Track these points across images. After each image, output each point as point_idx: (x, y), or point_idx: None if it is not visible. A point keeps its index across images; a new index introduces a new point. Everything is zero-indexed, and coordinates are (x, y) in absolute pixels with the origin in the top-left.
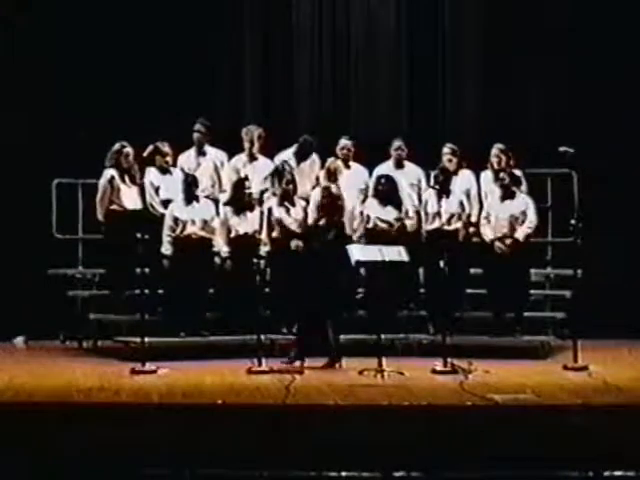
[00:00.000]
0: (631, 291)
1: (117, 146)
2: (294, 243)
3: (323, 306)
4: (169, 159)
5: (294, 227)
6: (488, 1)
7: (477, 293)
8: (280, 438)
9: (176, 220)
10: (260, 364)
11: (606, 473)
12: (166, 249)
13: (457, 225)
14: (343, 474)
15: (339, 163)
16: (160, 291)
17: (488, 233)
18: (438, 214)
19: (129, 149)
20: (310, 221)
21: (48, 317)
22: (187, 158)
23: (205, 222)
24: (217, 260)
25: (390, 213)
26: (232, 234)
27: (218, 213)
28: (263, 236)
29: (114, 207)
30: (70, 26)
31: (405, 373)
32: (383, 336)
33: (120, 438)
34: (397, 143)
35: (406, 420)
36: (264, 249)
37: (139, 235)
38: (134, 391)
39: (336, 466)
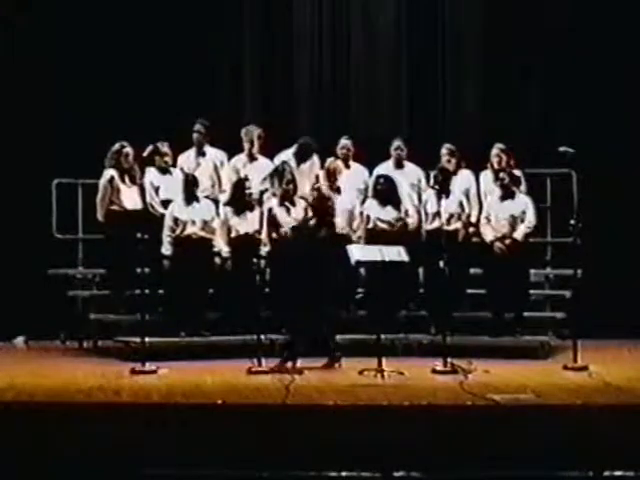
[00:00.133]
0: (631, 291)
1: (117, 146)
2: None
3: (315, 306)
4: (168, 159)
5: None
6: (488, 1)
7: (477, 293)
8: (280, 438)
9: (176, 220)
10: (260, 364)
11: (606, 473)
12: (166, 249)
13: (457, 225)
14: (343, 474)
15: (339, 163)
16: (160, 291)
17: (488, 233)
18: (438, 214)
19: (129, 149)
20: (299, 219)
21: (48, 317)
22: (187, 158)
23: (205, 222)
24: (217, 260)
25: (389, 213)
26: (232, 234)
27: (218, 213)
28: (263, 236)
29: (114, 207)
30: (70, 26)
31: (405, 373)
32: (383, 336)
33: (120, 438)
34: (397, 143)
35: (406, 420)
36: (264, 249)
37: (139, 235)
38: (134, 391)
39: (336, 466)
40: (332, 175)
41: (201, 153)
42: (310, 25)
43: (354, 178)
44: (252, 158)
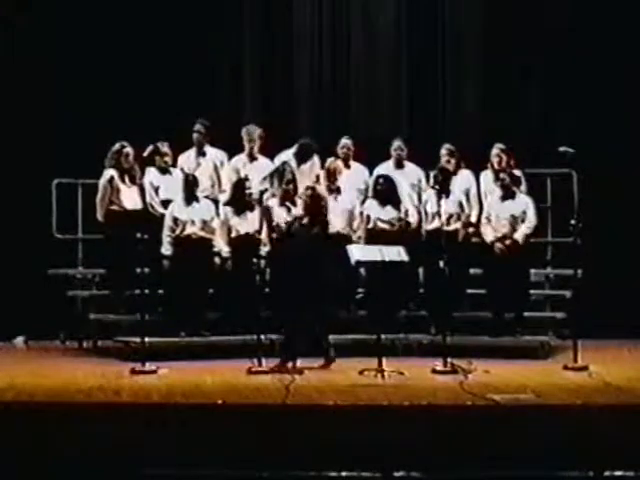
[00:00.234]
0: (631, 291)
1: (117, 146)
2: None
3: (308, 306)
4: (168, 159)
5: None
6: (488, 1)
7: (477, 293)
8: (280, 438)
9: (176, 220)
10: (260, 364)
11: (606, 473)
12: (166, 249)
13: (457, 225)
14: (343, 474)
15: (339, 163)
16: (160, 291)
17: (488, 233)
18: (438, 214)
19: (129, 149)
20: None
21: (48, 317)
22: (187, 158)
23: (205, 222)
24: (217, 260)
25: (389, 213)
26: (232, 234)
27: (218, 213)
28: (263, 236)
29: (114, 207)
30: (70, 26)
31: (405, 373)
32: (383, 336)
33: (120, 438)
34: (397, 143)
35: (406, 420)
36: (264, 249)
37: (139, 235)
38: (134, 391)
39: (336, 466)
40: (332, 175)
41: (201, 153)
42: (310, 25)
43: (354, 178)
44: (252, 158)
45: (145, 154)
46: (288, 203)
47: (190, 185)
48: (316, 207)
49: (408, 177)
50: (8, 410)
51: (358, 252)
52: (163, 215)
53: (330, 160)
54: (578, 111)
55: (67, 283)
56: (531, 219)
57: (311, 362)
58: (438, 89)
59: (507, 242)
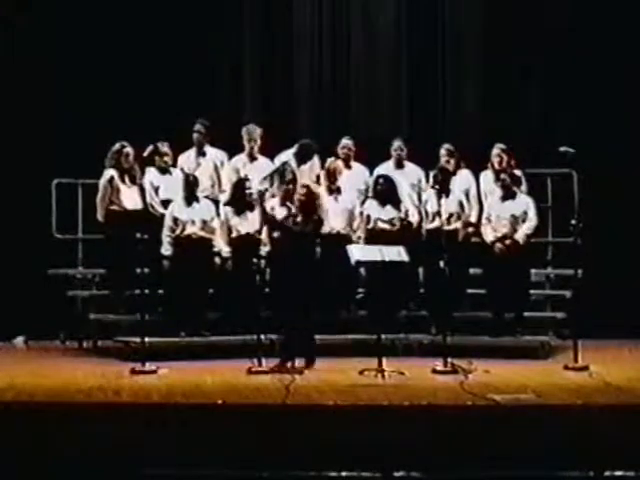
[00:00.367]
0: (631, 291)
1: (117, 146)
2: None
3: (299, 306)
4: (168, 159)
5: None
6: (488, 1)
7: (477, 293)
8: (280, 438)
9: (176, 220)
10: (260, 364)
11: (606, 473)
12: (166, 249)
13: (457, 225)
14: (343, 474)
15: (339, 163)
16: (160, 291)
17: (488, 233)
18: (438, 214)
19: (129, 149)
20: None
21: (48, 317)
22: (187, 158)
23: (205, 222)
24: (217, 260)
25: (389, 213)
26: (233, 234)
27: (218, 213)
28: (263, 236)
29: (114, 207)
30: (70, 26)
31: (405, 373)
32: (383, 336)
33: (120, 438)
34: (397, 143)
35: (406, 420)
36: (264, 249)
37: (139, 235)
38: (134, 391)
39: (336, 466)
40: (332, 175)
41: (201, 153)
42: (310, 25)
43: (355, 178)
44: (252, 158)
45: (145, 154)
46: (289, 203)
47: (190, 185)
48: (310, 206)
49: (408, 177)
50: (8, 410)
51: (358, 252)
52: (163, 215)
53: (330, 160)
54: (578, 111)
55: (67, 283)
56: (532, 219)
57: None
58: (438, 89)
59: (507, 242)
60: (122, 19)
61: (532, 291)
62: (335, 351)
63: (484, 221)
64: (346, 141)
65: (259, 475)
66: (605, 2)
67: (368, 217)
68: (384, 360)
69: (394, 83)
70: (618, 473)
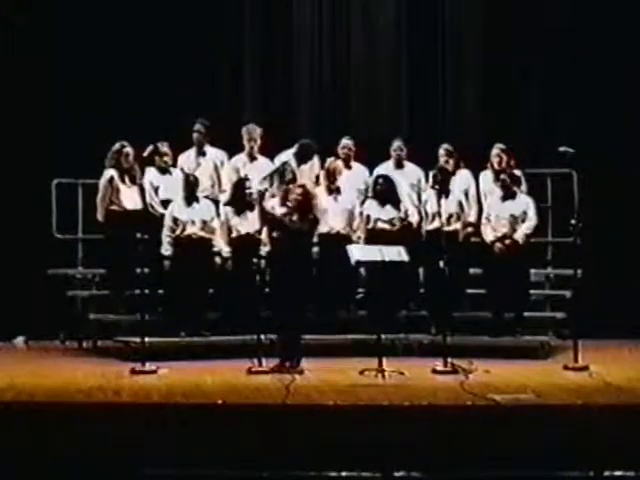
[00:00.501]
0: (631, 291)
1: (117, 146)
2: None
3: (290, 306)
4: (167, 159)
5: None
6: (488, 1)
7: (477, 293)
8: (280, 438)
9: (176, 220)
10: (260, 364)
11: (606, 473)
12: (166, 249)
13: (456, 225)
14: (343, 474)
15: (339, 163)
16: (160, 291)
17: (488, 233)
18: (438, 214)
19: (129, 149)
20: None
21: (48, 317)
22: (187, 158)
23: (205, 223)
24: (217, 260)
25: (389, 213)
26: (233, 234)
27: (218, 213)
28: (263, 236)
29: (114, 207)
30: (70, 26)
31: (405, 373)
32: (383, 336)
33: (120, 438)
34: (396, 143)
35: (406, 420)
36: (264, 249)
37: (139, 235)
38: (134, 391)
39: (336, 466)
40: (332, 175)
41: (201, 153)
42: (310, 25)
43: (355, 178)
44: (252, 158)
45: (145, 154)
46: (288, 203)
47: (191, 186)
48: (306, 205)
49: (408, 177)
50: (8, 410)
51: (358, 252)
52: (163, 215)
53: (330, 160)
54: (578, 111)
55: (67, 283)
56: (531, 219)
57: (311, 362)
58: (438, 89)
59: (507, 242)
60: (122, 19)
61: (532, 291)
62: (335, 351)
63: (484, 221)
64: (346, 141)
65: (259, 475)
66: (605, 2)
67: (368, 217)
68: (384, 360)
69: (394, 83)
70: (618, 473)
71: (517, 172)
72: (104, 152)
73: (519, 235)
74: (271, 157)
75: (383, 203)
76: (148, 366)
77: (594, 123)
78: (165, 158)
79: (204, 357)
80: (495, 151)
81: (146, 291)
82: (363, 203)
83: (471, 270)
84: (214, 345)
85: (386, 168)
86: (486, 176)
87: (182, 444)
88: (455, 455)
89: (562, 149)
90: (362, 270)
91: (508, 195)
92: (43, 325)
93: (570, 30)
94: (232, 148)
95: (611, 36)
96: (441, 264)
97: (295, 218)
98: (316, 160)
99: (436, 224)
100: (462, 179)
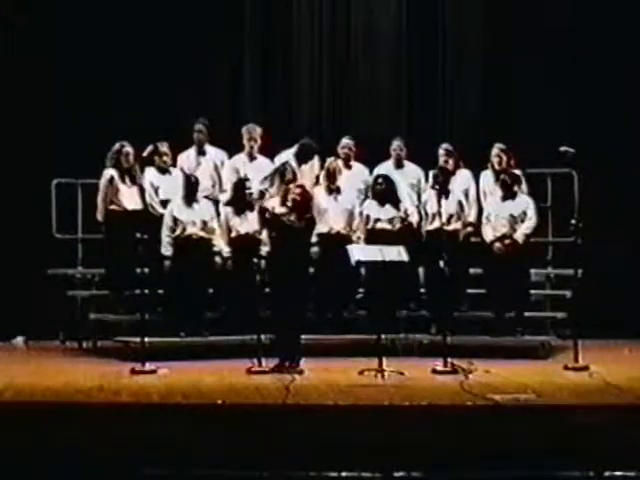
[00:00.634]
0: (631, 291)
1: (117, 146)
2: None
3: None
4: (167, 159)
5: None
6: (488, 1)
7: (477, 293)
8: (280, 438)
9: (176, 221)
10: (260, 364)
11: (606, 473)
12: (166, 249)
13: (457, 225)
14: (343, 474)
15: (338, 163)
16: (160, 291)
17: (488, 233)
18: (438, 214)
19: (129, 148)
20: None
21: (48, 317)
22: (187, 158)
23: (205, 223)
24: (217, 260)
25: (389, 213)
26: (233, 234)
27: (218, 213)
28: (263, 236)
29: (114, 207)
30: (70, 26)
31: (405, 373)
32: (383, 336)
33: (120, 438)
34: (396, 143)
35: (406, 420)
36: (264, 249)
37: (139, 235)
38: (134, 391)
39: (336, 466)
40: (332, 175)
41: (201, 153)
42: (310, 25)
43: (355, 178)
44: (252, 158)
45: (145, 154)
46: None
47: (191, 186)
48: (304, 205)
49: (407, 177)
50: (8, 410)
51: (358, 252)
52: (163, 215)
53: (330, 160)
54: (578, 111)
55: (67, 283)
56: (531, 218)
57: (311, 362)
58: (438, 89)
59: (507, 242)
60: (122, 19)
61: (532, 291)
62: (335, 351)
63: (484, 221)
64: (346, 141)
65: (259, 475)
66: (605, 2)
67: (367, 217)
68: (384, 360)
69: (394, 83)
70: (618, 473)
71: (517, 171)
72: (104, 152)
73: (519, 235)
74: (271, 157)
75: (382, 203)
76: (148, 366)
77: (594, 123)
78: (165, 158)
79: (204, 357)
80: (495, 151)
81: (146, 291)
82: (363, 203)
83: (471, 270)
84: (214, 345)
85: (386, 168)
86: (486, 176)
87: (182, 444)
88: (455, 455)
89: (562, 149)
90: (362, 270)
91: (508, 195)
92: (43, 325)
93: (570, 30)
94: (232, 148)
95: (611, 36)
96: (441, 264)
97: (293, 218)
98: (316, 160)
99: (436, 224)
100: (462, 179)
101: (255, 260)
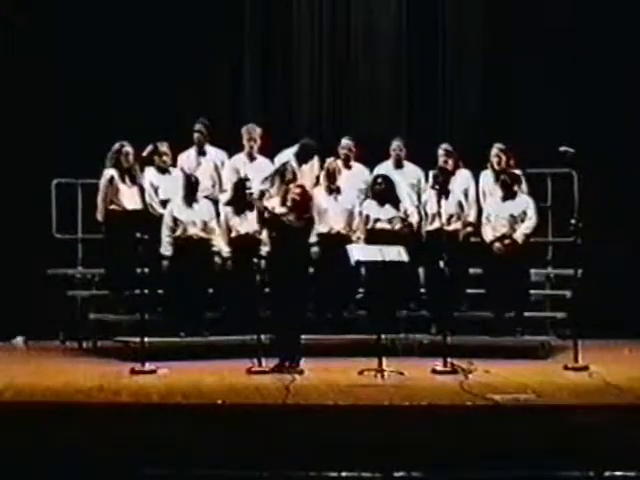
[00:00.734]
0: (631, 291)
1: (117, 146)
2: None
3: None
4: (166, 159)
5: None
6: (488, 1)
7: (477, 293)
8: (280, 438)
9: (176, 221)
10: (260, 364)
11: (606, 473)
12: (166, 249)
13: (457, 225)
14: (343, 474)
15: (338, 163)
16: (160, 291)
17: (488, 233)
18: (438, 214)
19: (129, 148)
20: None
21: (48, 317)
22: (187, 158)
23: (205, 223)
24: (217, 260)
25: (388, 213)
26: (232, 234)
27: (218, 213)
28: (263, 236)
29: (114, 207)
30: (70, 26)
31: (405, 373)
32: (383, 336)
33: (120, 438)
34: (395, 143)
35: (406, 420)
36: (264, 249)
37: (139, 235)
38: (134, 391)
39: (336, 466)
40: (332, 175)
41: (201, 153)
42: (310, 25)
43: (355, 178)
44: (252, 158)
45: (144, 154)
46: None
47: (192, 186)
48: (303, 205)
49: (407, 177)
50: (7, 410)
51: (358, 252)
52: (163, 215)
53: (329, 160)
54: (578, 111)
55: (67, 283)
56: (531, 218)
57: (311, 362)
58: (438, 89)
59: (506, 242)
60: (122, 19)
61: (532, 291)
62: (335, 351)
63: (484, 221)
64: (347, 141)
65: (259, 475)
66: (605, 2)
67: (367, 217)
68: (384, 360)
69: (394, 83)
70: (618, 473)
71: (517, 171)
72: (104, 152)
73: (518, 235)
74: (271, 157)
75: (382, 203)
76: (148, 366)
77: (594, 123)
78: (164, 158)
79: (204, 357)
80: (494, 151)
81: (146, 291)
82: (363, 203)
83: (471, 270)
84: (214, 345)
85: (385, 168)
86: (486, 176)
87: (182, 444)
88: (455, 455)
89: (562, 149)
90: (362, 270)
91: (508, 195)
92: (43, 325)
93: (570, 30)
94: (232, 148)
95: (611, 36)
96: (441, 264)
97: (292, 217)
98: (316, 160)
99: (436, 224)
100: (462, 179)
101: (255, 260)
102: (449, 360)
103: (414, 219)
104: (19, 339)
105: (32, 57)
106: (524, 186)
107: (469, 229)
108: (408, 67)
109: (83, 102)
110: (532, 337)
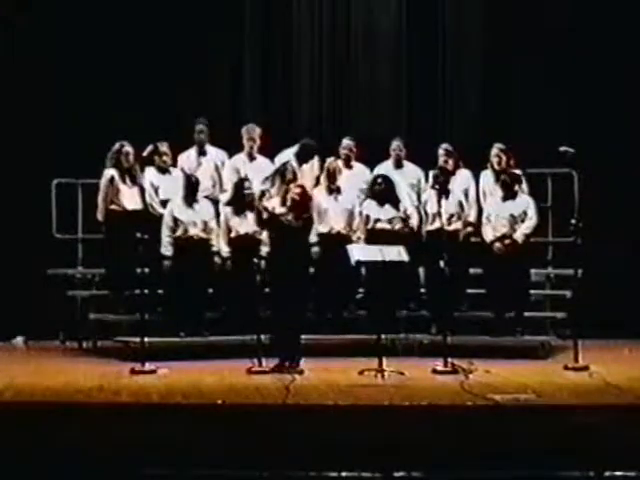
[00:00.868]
0: (631, 291)
1: (117, 146)
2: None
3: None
4: (166, 159)
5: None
6: (488, 1)
7: (477, 293)
8: (280, 438)
9: (176, 221)
10: (260, 364)
11: (606, 473)
12: (166, 249)
13: (457, 225)
14: (343, 474)
15: (338, 163)
16: (160, 291)
17: (489, 233)
18: (438, 214)
19: (129, 148)
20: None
21: (48, 317)
22: (187, 158)
23: (206, 223)
24: (217, 260)
25: (388, 213)
26: (232, 234)
27: (218, 213)
28: (263, 236)
29: (114, 207)
30: (70, 26)
31: (405, 373)
32: (383, 336)
33: (120, 438)
34: (395, 143)
35: (406, 420)
36: (264, 249)
37: (139, 235)
38: (134, 391)
39: (336, 466)
40: (332, 175)
41: (202, 153)
42: (310, 25)
43: (356, 178)
44: (252, 158)
45: (145, 154)
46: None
47: (192, 186)
48: (303, 205)
49: (407, 177)
50: (7, 410)
51: (358, 252)
52: (163, 215)
53: (330, 160)
54: (578, 111)
55: (67, 283)
56: (532, 218)
57: (311, 362)
58: (438, 89)
59: (507, 242)
60: (122, 19)
61: (532, 291)
62: (335, 351)
63: (484, 221)
64: (347, 141)
65: (259, 475)
66: (605, 2)
67: (367, 217)
68: (384, 360)
69: (394, 83)
70: (618, 473)
71: (517, 171)
72: (104, 152)
73: (519, 235)
74: (271, 157)
75: (382, 203)
76: (148, 366)
77: (594, 123)
78: (165, 158)
79: (204, 357)
80: (494, 151)
81: (146, 291)
82: (363, 203)
83: (471, 270)
84: (214, 345)
85: (385, 168)
86: (486, 176)
87: (182, 444)
88: (455, 455)
89: (562, 149)
90: (362, 270)
91: (509, 195)
92: (43, 325)
93: (570, 30)
94: (232, 148)
95: (611, 36)
96: (441, 264)
97: (290, 217)
98: (316, 160)
99: (436, 224)
100: (462, 179)
101: (255, 260)
102: (449, 360)
103: (414, 219)
104: (19, 339)
105: (32, 57)
106: (524, 186)
107: (469, 229)
108: (408, 67)
109: (83, 102)
110: (532, 337)
